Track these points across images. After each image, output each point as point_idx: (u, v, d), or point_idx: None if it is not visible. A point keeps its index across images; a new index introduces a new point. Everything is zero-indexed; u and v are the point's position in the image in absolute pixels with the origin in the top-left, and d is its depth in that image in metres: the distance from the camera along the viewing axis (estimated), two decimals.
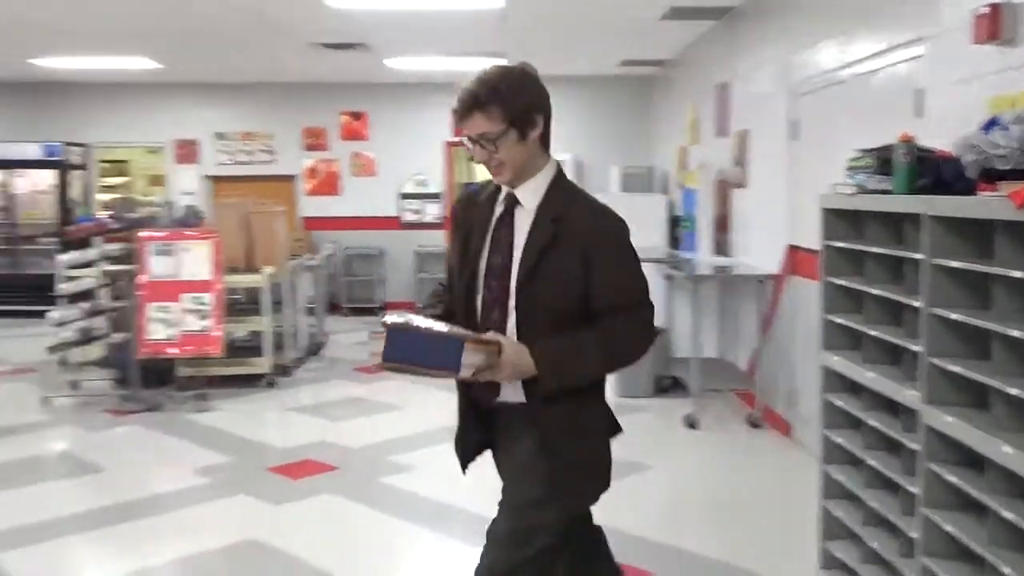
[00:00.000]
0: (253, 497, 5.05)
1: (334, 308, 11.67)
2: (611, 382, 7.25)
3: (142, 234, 6.92)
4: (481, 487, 5.21)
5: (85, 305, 7.29)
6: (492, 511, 4.74)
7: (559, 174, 2.44)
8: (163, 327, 6.84)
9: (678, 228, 8.85)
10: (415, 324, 2.19)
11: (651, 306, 2.43)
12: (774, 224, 6.38)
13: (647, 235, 9.10)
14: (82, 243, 8.36)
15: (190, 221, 8.33)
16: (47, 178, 11.72)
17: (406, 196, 12.22)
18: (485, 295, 2.39)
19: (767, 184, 6.60)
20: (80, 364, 7.58)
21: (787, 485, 5.32)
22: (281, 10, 7.39)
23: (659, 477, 5.52)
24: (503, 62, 2.41)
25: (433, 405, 7.27)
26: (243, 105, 12.14)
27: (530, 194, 2.39)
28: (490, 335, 2.28)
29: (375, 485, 5.25)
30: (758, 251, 6.80)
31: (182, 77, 11.42)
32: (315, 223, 12.09)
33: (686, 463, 5.93)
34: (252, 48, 9.20)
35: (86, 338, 7.39)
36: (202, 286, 6.88)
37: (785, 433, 6.18)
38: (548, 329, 2.31)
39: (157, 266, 6.88)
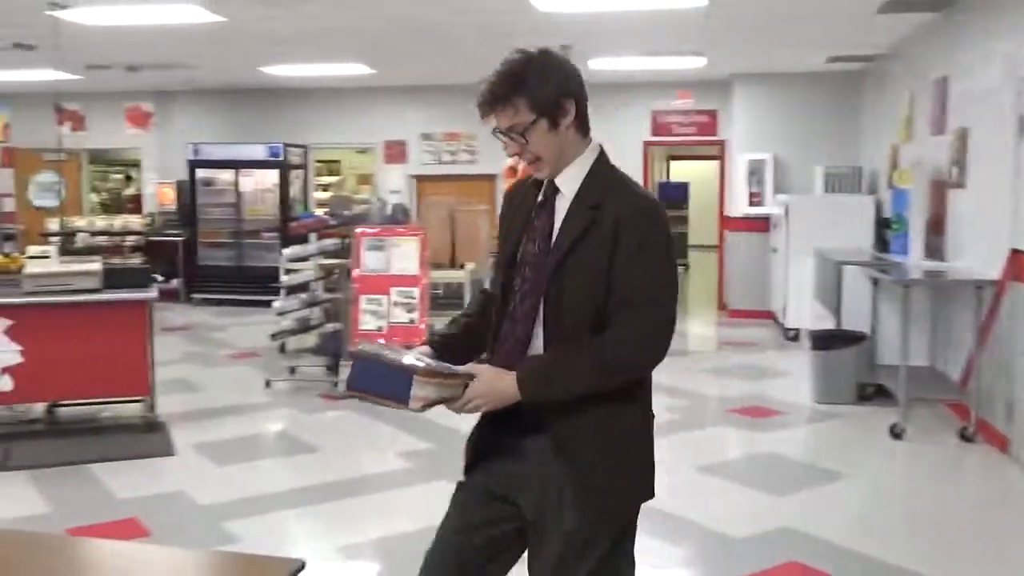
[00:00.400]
0: (453, 484, 5.26)
1: None
2: (809, 388, 7.12)
3: (358, 230, 7.34)
4: (671, 486, 5.25)
5: (303, 296, 7.82)
6: (680, 508, 4.75)
7: (600, 159, 2.29)
8: (373, 318, 7.24)
9: (887, 230, 8.47)
10: (379, 353, 2.20)
11: (666, 307, 2.18)
12: (996, 227, 6.01)
13: (851, 236, 8.78)
14: (301, 238, 8.98)
15: (398, 218, 8.76)
16: (270, 177, 12.58)
17: None
18: (519, 284, 2.27)
19: (989, 184, 6.22)
20: (297, 351, 8.14)
21: (1001, 503, 5.02)
22: (491, 16, 7.64)
23: (857, 485, 5.34)
24: (529, 49, 2.24)
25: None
26: (448, 106, 12.58)
27: (569, 180, 2.26)
28: (466, 367, 2.21)
29: None
30: (976, 255, 6.42)
31: (392, 81, 11.99)
32: None
33: (888, 473, 5.71)
34: (459, 52, 9.54)
35: (303, 327, 7.94)
36: (410, 280, 7.23)
37: (1002, 448, 5.81)
38: (573, 329, 2.17)
39: (369, 261, 7.28)
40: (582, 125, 2.26)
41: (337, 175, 17.66)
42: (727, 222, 11.79)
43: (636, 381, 2.25)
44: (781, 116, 11.20)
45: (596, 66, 10.14)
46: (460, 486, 2.40)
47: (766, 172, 11.04)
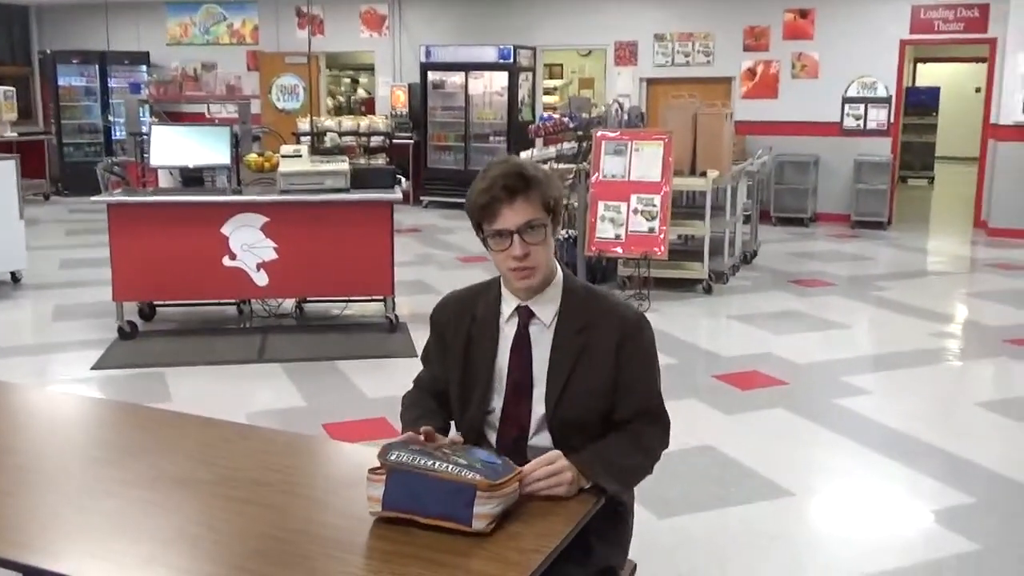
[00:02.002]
0: (704, 404, 5.01)
1: (762, 216, 11.27)
2: None
3: (599, 133, 7.05)
4: (949, 423, 4.76)
5: None
6: (963, 448, 4.28)
7: (566, 275, 2.18)
8: (611, 226, 6.98)
9: None
10: (421, 464, 1.80)
11: (666, 414, 2.18)
12: None
13: None
14: (529, 143, 8.78)
15: (634, 123, 8.39)
16: (499, 80, 12.44)
17: (849, 100, 11.36)
18: (505, 419, 2.15)
19: None
20: None
21: None
22: None
23: None
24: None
25: (886, 326, 6.78)
26: (684, 4, 11.92)
27: (547, 305, 2.13)
28: (514, 471, 1.86)
29: (830, 406, 4.96)
30: None
31: None
32: (748, 127, 11.66)
33: None
34: None
35: None
36: (651, 187, 6.89)
37: None
38: (579, 443, 2.05)
39: (609, 165, 6.99)
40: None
41: (559, 79, 17.36)
42: (995, 131, 10.60)
43: None
44: None
45: None
46: None
47: None
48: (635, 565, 2.27)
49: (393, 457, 1.82)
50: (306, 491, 2.01)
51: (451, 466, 1.79)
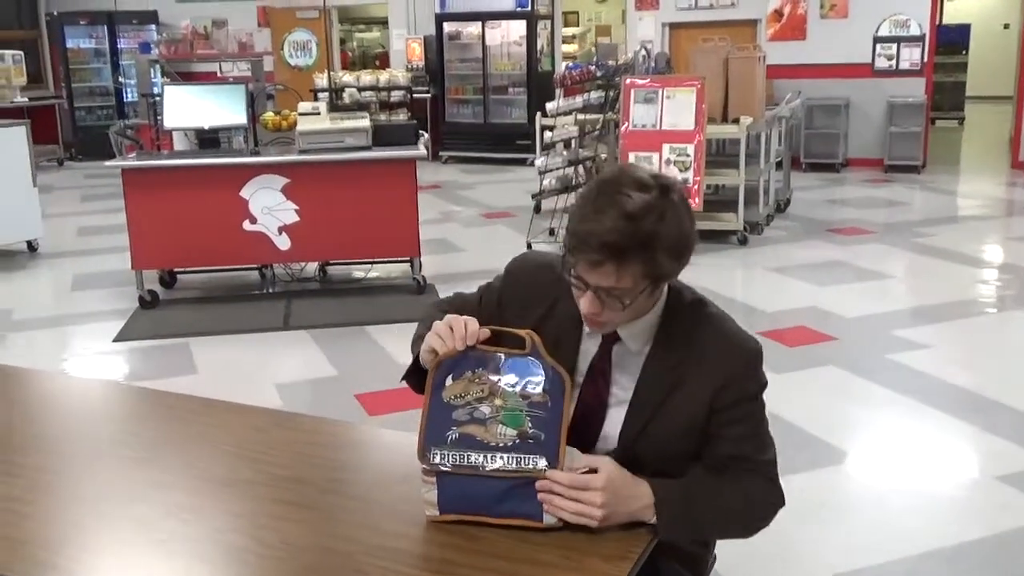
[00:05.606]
0: None
1: (792, 163, 10.95)
2: None
3: (628, 81, 6.75)
4: (1013, 377, 4.52)
5: (565, 154, 7.38)
6: None
7: (671, 299, 1.72)
8: None
9: None
10: (468, 461, 1.59)
11: (776, 469, 1.75)
12: None
13: None
14: (549, 93, 8.47)
15: (662, 69, 8.06)
16: (516, 29, 12.07)
17: (880, 40, 10.95)
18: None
19: None
20: (553, 212, 7.77)
21: None
22: None
23: None
24: (659, 181, 1.59)
25: (931, 275, 6.51)
26: None
27: (638, 335, 1.71)
28: (588, 459, 1.62)
29: (884, 362, 4.72)
30: None
31: None
32: (775, 71, 11.26)
33: None
34: None
35: (564, 187, 7.53)
36: (684, 136, 6.61)
37: None
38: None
39: (639, 115, 6.70)
40: None
41: (575, 27, 16.94)
42: None
43: None
44: None
45: None
46: None
47: None
48: (715, 556, 2.07)
49: (437, 460, 1.60)
50: (355, 490, 1.80)
51: (499, 455, 1.57)
